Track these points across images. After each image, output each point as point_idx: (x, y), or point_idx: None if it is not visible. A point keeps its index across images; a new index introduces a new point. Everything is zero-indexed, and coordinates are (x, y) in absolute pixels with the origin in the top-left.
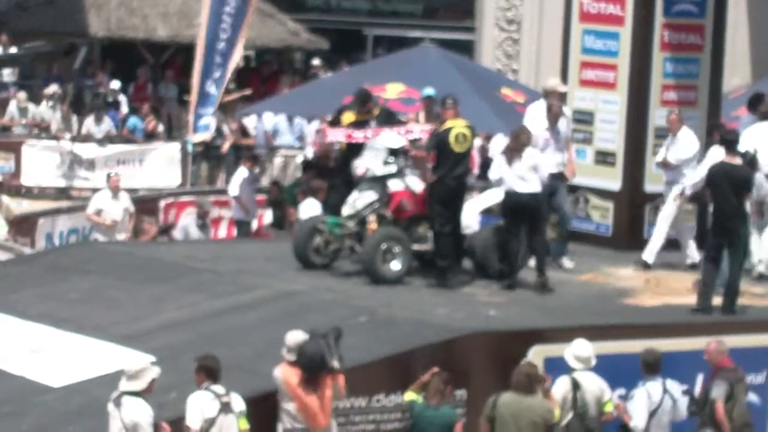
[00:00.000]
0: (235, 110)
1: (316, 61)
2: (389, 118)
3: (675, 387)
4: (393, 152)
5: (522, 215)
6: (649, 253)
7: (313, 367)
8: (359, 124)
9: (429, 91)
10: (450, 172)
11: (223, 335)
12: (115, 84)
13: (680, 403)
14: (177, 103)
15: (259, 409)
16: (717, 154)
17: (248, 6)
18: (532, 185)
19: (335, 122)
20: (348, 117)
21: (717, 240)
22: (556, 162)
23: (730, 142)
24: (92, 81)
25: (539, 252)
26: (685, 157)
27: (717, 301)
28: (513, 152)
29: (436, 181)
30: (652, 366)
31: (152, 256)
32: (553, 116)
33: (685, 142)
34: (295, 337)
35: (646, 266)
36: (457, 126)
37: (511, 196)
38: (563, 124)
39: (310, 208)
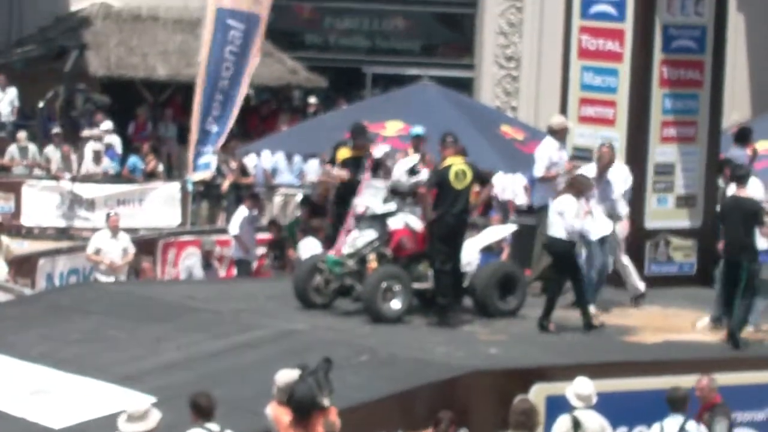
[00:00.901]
0: (235, 149)
1: (312, 99)
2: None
3: (696, 428)
4: (393, 191)
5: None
6: (633, 287)
7: (303, 410)
8: (354, 160)
9: (417, 130)
10: (450, 209)
11: (224, 375)
12: (107, 125)
13: None
14: (177, 143)
15: None
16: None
17: (253, 45)
18: (555, 230)
19: (332, 159)
20: (343, 153)
21: (726, 274)
22: (603, 213)
23: (739, 177)
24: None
25: (549, 295)
26: (618, 190)
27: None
28: (558, 195)
29: (436, 218)
30: (672, 403)
31: (152, 295)
32: (603, 165)
33: (619, 175)
34: (285, 377)
35: (639, 298)
36: (456, 163)
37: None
38: (613, 174)
39: (310, 247)
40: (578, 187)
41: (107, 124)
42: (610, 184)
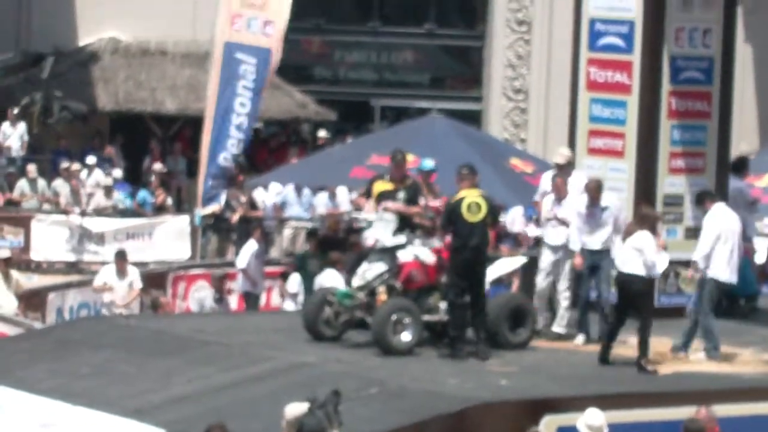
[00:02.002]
0: (244, 182)
1: (322, 133)
2: (415, 194)
3: None
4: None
5: (622, 295)
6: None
7: None
8: (391, 194)
9: (429, 164)
10: (466, 242)
11: (234, 408)
12: (91, 159)
13: None
14: (186, 176)
15: None
16: (715, 219)
17: (267, 80)
18: (631, 266)
19: (368, 192)
20: (380, 186)
21: None
22: (601, 239)
23: None
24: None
25: (642, 334)
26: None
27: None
28: (630, 230)
29: (453, 251)
30: None
31: (162, 329)
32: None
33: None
34: (294, 410)
35: (560, 338)
36: (470, 196)
37: (617, 275)
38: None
39: (331, 279)
40: (652, 222)
41: (92, 159)
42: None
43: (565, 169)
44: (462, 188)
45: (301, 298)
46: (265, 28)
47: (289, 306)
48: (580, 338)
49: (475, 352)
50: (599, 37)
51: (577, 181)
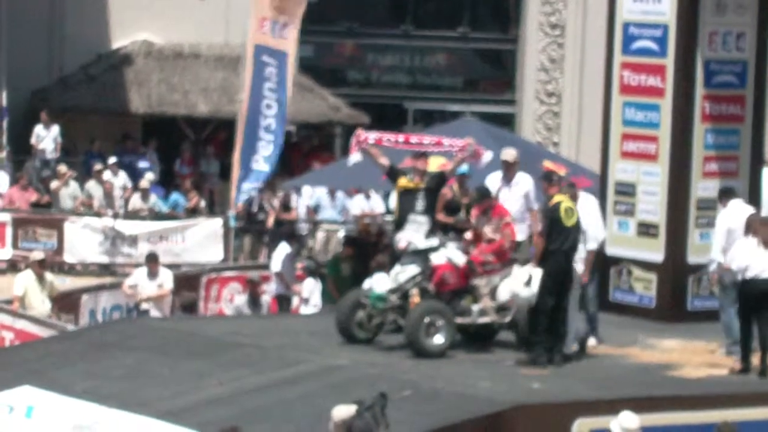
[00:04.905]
0: (277, 185)
1: None
2: (437, 187)
3: None
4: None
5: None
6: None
7: None
8: (411, 192)
9: (463, 167)
10: (561, 246)
11: (267, 410)
12: (112, 159)
13: None
14: (219, 179)
15: None
16: (726, 218)
17: (287, 82)
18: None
19: (392, 175)
20: (402, 182)
21: None
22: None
23: None
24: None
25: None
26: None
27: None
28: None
29: (548, 254)
30: None
31: (195, 331)
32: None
33: None
34: (342, 413)
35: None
36: (564, 200)
37: (758, 283)
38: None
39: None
40: None
41: (113, 159)
42: None
43: (511, 169)
44: (552, 193)
45: (314, 302)
46: (282, 31)
47: (304, 310)
48: (593, 340)
49: (551, 359)
50: (633, 40)
51: (522, 181)
